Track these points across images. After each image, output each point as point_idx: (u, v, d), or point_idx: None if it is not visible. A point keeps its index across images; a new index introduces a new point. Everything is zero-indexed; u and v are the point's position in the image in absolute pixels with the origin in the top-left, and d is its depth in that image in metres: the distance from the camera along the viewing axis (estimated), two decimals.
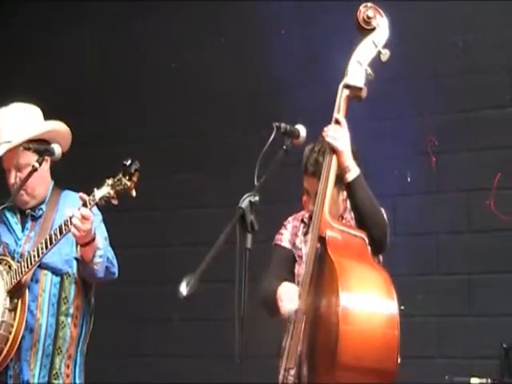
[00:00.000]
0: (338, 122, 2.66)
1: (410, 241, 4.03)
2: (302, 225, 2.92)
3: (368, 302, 2.46)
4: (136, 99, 4.87)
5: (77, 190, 2.98)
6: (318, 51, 4.25)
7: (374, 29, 2.68)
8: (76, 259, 2.94)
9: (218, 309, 3.75)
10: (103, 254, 2.90)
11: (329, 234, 2.58)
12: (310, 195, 2.81)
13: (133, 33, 4.90)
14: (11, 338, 2.85)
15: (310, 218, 2.86)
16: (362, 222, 2.68)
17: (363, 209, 2.66)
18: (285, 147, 2.48)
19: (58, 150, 2.92)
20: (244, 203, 2.22)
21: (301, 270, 2.82)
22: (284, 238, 2.92)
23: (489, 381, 3.73)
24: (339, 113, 2.67)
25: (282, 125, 2.50)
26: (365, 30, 2.69)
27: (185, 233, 4.62)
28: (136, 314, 4.66)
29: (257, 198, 2.24)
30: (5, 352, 2.85)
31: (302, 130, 2.57)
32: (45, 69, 5.01)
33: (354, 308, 2.41)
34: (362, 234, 2.63)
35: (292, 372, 2.61)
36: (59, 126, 3.06)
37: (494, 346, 3.84)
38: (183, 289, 2.02)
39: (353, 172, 2.67)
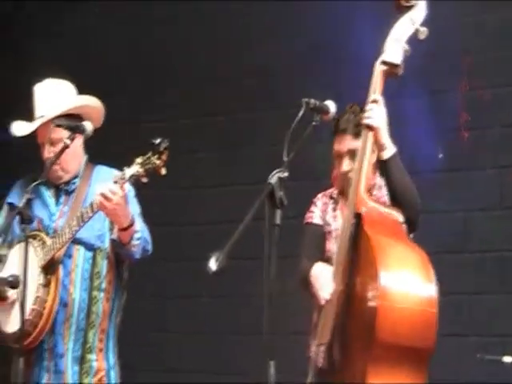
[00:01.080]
0: (374, 100, 2.63)
1: (440, 218, 3.98)
2: (332, 201, 2.90)
3: (407, 281, 2.45)
4: (161, 75, 4.84)
5: (110, 166, 3.00)
6: (347, 27, 4.19)
7: (412, 6, 2.64)
8: (113, 240, 2.95)
9: (246, 285, 3.77)
10: (141, 236, 2.90)
11: (365, 210, 2.57)
12: (342, 155, 2.79)
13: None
14: (45, 312, 2.87)
15: (340, 193, 2.85)
16: (396, 201, 2.65)
17: (398, 188, 2.64)
18: (314, 123, 2.46)
19: (89, 126, 2.91)
20: (273, 179, 2.20)
21: (331, 245, 2.82)
22: (315, 216, 2.90)
23: None
24: (376, 89, 2.64)
25: (312, 101, 2.48)
26: (403, 7, 2.65)
27: (211, 210, 4.60)
28: (164, 291, 4.68)
29: (286, 174, 2.22)
30: (40, 326, 2.87)
31: (331, 105, 2.56)
32: (76, 46, 5.02)
33: (393, 286, 2.40)
34: (397, 213, 2.61)
35: (322, 348, 2.60)
36: (92, 102, 3.06)
37: None
38: (212, 265, 2.01)
39: (389, 150, 2.65)
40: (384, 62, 2.63)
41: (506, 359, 3.66)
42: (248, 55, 4.60)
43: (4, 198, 3.16)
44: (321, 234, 2.87)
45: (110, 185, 2.75)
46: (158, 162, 2.71)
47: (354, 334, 2.51)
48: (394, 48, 2.61)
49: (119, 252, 2.96)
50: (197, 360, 4.46)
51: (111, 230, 2.97)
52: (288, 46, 4.43)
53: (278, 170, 2.23)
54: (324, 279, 2.60)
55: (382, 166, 2.68)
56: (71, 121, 2.94)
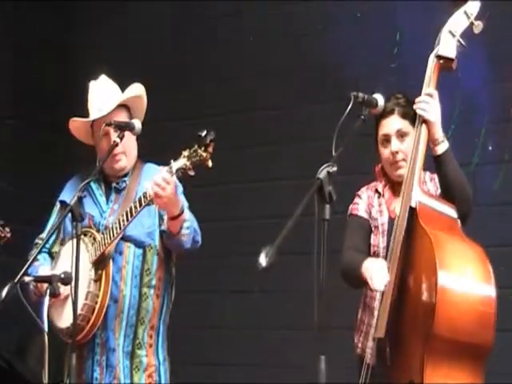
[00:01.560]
0: (429, 94, 2.62)
1: (490, 211, 3.91)
2: (376, 195, 2.87)
3: (466, 280, 2.45)
4: (210, 72, 4.84)
5: (156, 163, 3.01)
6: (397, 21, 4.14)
7: (467, 0, 2.62)
8: (162, 231, 2.95)
9: (296, 280, 3.74)
10: (190, 225, 2.90)
11: (420, 204, 2.54)
12: (389, 137, 2.76)
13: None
14: (97, 307, 2.89)
15: (386, 184, 2.82)
16: (449, 196, 2.62)
17: (452, 183, 2.62)
18: (362, 117, 2.45)
19: (138, 125, 2.94)
20: (322, 174, 2.19)
21: (377, 240, 2.79)
22: (360, 208, 2.87)
23: None
24: (430, 83, 2.62)
25: (360, 94, 2.47)
26: (458, 0, 2.62)
27: (260, 205, 4.58)
28: (214, 287, 4.66)
29: (335, 169, 2.21)
30: (92, 321, 2.89)
31: (379, 99, 2.55)
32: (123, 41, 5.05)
33: (451, 284, 2.38)
34: (452, 208, 2.59)
35: (370, 344, 2.59)
36: (142, 91, 3.10)
37: None
38: (262, 260, 2.01)
39: (443, 145, 2.62)
40: (439, 56, 2.61)
41: None
42: (301, 49, 4.57)
43: (56, 196, 3.20)
44: (366, 226, 2.84)
45: (162, 173, 2.75)
46: (204, 154, 2.70)
47: (408, 330, 2.49)
48: (449, 42, 2.59)
49: (169, 243, 2.96)
50: (248, 354, 4.45)
51: (161, 225, 2.98)
52: (339, 40, 4.38)
53: (326, 165, 2.22)
54: (379, 270, 2.57)
55: (436, 161, 2.65)
56: (120, 120, 2.97)
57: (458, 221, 2.60)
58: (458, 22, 2.61)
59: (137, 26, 5.08)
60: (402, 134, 2.75)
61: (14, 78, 5.23)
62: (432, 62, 2.62)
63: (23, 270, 2.66)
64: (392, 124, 2.75)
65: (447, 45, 2.59)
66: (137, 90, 3.11)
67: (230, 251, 4.62)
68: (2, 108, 5.16)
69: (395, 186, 2.81)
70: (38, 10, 5.19)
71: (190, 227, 2.90)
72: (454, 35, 2.59)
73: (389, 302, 2.53)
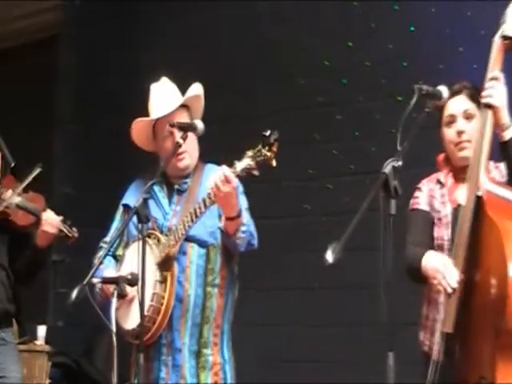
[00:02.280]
0: (494, 78, 2.52)
1: None
2: (438, 186, 2.77)
3: None
4: (269, 70, 4.83)
5: (217, 163, 3.02)
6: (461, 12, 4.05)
7: None
8: (220, 229, 2.96)
9: (360, 276, 3.69)
10: (246, 229, 2.90)
11: (487, 193, 2.46)
12: (455, 118, 2.68)
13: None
14: (163, 308, 2.91)
15: (450, 172, 2.74)
16: None
17: None
18: (427, 110, 2.40)
19: (200, 125, 2.95)
20: (387, 168, 2.15)
21: (441, 232, 2.71)
22: (421, 201, 2.79)
23: None
24: (495, 66, 2.53)
25: (424, 87, 2.41)
26: None
27: (320, 201, 4.53)
28: (277, 284, 4.64)
29: (400, 163, 2.17)
30: (158, 322, 2.91)
31: (444, 91, 2.49)
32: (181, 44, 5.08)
33: None
34: None
35: (437, 340, 2.53)
36: (200, 90, 3.13)
37: None
38: (329, 256, 1.98)
39: (510, 130, 2.53)
40: (504, 37, 2.51)
41: None
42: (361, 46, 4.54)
43: (118, 199, 3.24)
44: (428, 220, 2.74)
45: (225, 170, 2.75)
46: (268, 153, 2.69)
47: (477, 325, 2.43)
48: None
49: (225, 242, 2.97)
50: (311, 352, 4.41)
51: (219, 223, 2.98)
52: (400, 34, 4.33)
53: (391, 159, 2.18)
54: (447, 267, 2.47)
55: (503, 147, 2.56)
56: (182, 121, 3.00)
57: None
58: None
59: (197, 27, 5.09)
60: (468, 116, 2.68)
61: (76, 83, 5.31)
62: (497, 43, 2.52)
63: (91, 272, 2.70)
64: (459, 104, 2.68)
65: None
66: (197, 89, 3.13)
67: (290, 248, 4.58)
68: (65, 113, 5.26)
69: (459, 173, 2.72)
70: (99, 14, 5.27)
71: (246, 231, 2.90)
72: None
73: (456, 297, 2.45)
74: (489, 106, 2.51)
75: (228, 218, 2.85)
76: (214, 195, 2.78)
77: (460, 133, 2.67)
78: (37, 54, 5.76)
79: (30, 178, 3.60)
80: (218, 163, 3.03)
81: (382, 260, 2.05)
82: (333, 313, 4.43)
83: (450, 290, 2.45)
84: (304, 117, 4.65)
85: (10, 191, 3.59)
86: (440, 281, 2.47)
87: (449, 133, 2.71)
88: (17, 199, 3.56)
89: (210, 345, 2.99)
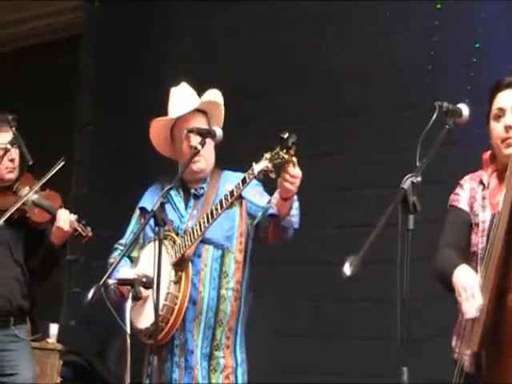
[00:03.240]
0: None
1: None
2: (481, 187, 2.66)
3: None
4: (288, 76, 4.81)
5: (234, 170, 3.04)
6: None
7: None
8: (270, 216, 2.93)
9: (378, 290, 3.67)
10: (297, 205, 2.90)
11: None
12: (504, 112, 2.57)
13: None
14: (176, 308, 2.93)
15: (495, 172, 2.62)
16: None
17: None
18: (447, 127, 2.37)
19: (219, 132, 2.97)
20: (406, 184, 2.14)
21: (477, 239, 2.60)
22: (461, 199, 2.67)
23: None
24: None
25: (445, 104, 2.39)
26: None
27: (338, 214, 4.52)
28: (291, 294, 4.61)
29: (419, 179, 2.15)
30: (171, 322, 2.93)
31: (464, 108, 2.47)
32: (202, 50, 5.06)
33: None
34: None
35: (468, 352, 2.46)
36: (218, 96, 3.14)
37: None
38: (347, 269, 1.97)
39: None
40: None
41: None
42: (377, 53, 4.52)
43: (134, 201, 3.26)
44: (466, 220, 2.62)
45: (290, 170, 2.72)
46: (286, 156, 2.69)
47: (506, 343, 2.34)
48: None
49: (278, 229, 2.92)
50: (324, 363, 4.39)
51: (254, 217, 2.99)
52: (419, 44, 4.31)
53: (410, 175, 2.17)
54: (473, 291, 2.37)
55: None
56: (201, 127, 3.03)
57: None
58: None
59: (217, 29, 5.08)
60: None
61: (94, 86, 5.33)
62: None
63: (108, 273, 2.72)
64: (509, 97, 2.57)
65: None
66: (214, 96, 3.15)
67: (309, 258, 4.55)
68: (85, 115, 5.27)
69: (504, 173, 2.52)
70: (118, 15, 5.28)
71: (297, 208, 2.90)
72: None
73: (484, 315, 2.35)
74: None
75: (285, 198, 2.82)
76: (287, 184, 2.75)
77: (508, 128, 2.56)
78: (56, 54, 5.78)
79: (53, 171, 3.64)
80: (234, 170, 3.05)
81: (398, 275, 2.04)
82: (348, 326, 4.41)
83: (469, 317, 2.39)
84: (324, 126, 4.64)
85: (27, 188, 3.64)
86: (462, 303, 2.40)
87: (496, 127, 2.60)
88: (34, 196, 3.60)
89: (222, 347, 3.00)
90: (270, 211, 2.91)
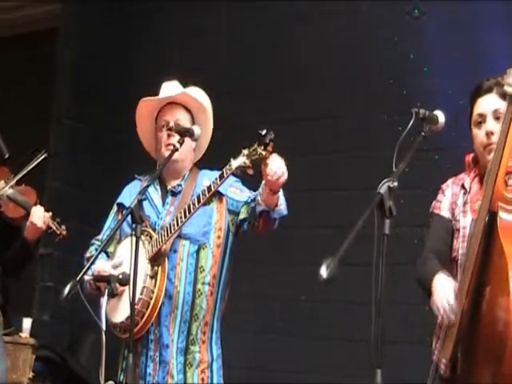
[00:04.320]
0: None
1: None
2: (462, 191, 2.65)
3: None
4: (274, 80, 4.79)
5: (211, 169, 3.05)
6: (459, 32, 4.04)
7: None
8: (262, 211, 2.92)
9: (354, 293, 3.65)
10: (282, 192, 2.90)
11: (501, 210, 2.28)
12: (485, 118, 2.55)
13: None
14: (152, 302, 2.94)
15: (477, 176, 2.60)
16: None
17: None
18: (423, 133, 2.38)
19: (197, 131, 2.99)
20: (382, 189, 2.14)
21: (458, 245, 2.60)
22: (443, 207, 2.68)
23: None
24: None
25: (421, 111, 2.41)
26: None
27: (312, 214, 4.49)
28: (267, 293, 4.59)
29: (395, 184, 2.15)
30: (146, 316, 2.94)
31: (440, 116, 2.49)
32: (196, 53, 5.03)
33: None
34: None
35: (444, 361, 2.48)
36: (200, 96, 3.16)
37: None
38: (323, 272, 1.96)
39: None
40: None
41: None
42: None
43: (112, 195, 3.27)
44: (448, 228, 2.63)
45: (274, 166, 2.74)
46: (263, 152, 2.71)
47: (480, 350, 2.32)
48: None
49: (267, 221, 2.93)
50: (300, 362, 4.39)
51: (237, 213, 3.00)
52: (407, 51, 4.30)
53: (387, 180, 2.17)
54: (449, 300, 2.39)
55: None
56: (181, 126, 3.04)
57: None
58: None
59: (199, 28, 5.04)
60: (498, 116, 2.51)
61: (75, 78, 5.28)
62: None
63: (84, 269, 2.72)
64: (489, 103, 2.54)
65: None
66: (199, 91, 3.17)
67: (282, 259, 4.55)
68: (62, 108, 5.23)
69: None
70: (100, 8, 5.23)
71: (282, 195, 2.91)
72: None
73: (457, 325, 2.36)
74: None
75: (274, 192, 2.83)
76: (271, 178, 2.76)
77: (490, 134, 2.53)
78: (35, 45, 5.71)
79: (34, 164, 3.63)
80: (211, 169, 3.06)
81: (374, 278, 2.05)
82: (323, 326, 4.40)
83: (445, 323, 2.41)
84: (304, 127, 4.62)
85: (2, 182, 3.61)
86: (440, 311, 2.42)
87: (478, 134, 2.59)
88: (9, 191, 3.58)
89: (198, 342, 3.02)
90: (259, 209, 2.92)
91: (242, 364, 4.37)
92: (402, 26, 4.35)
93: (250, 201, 3.00)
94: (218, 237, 3.06)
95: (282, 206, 2.91)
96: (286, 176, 2.77)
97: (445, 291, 2.42)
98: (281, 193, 2.89)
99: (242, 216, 3.03)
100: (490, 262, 2.31)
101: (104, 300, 2.85)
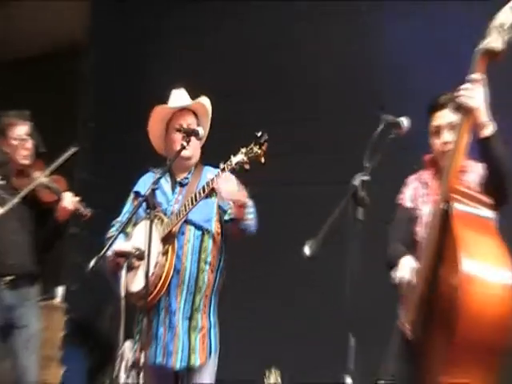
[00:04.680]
0: (472, 80, 2.34)
1: None
2: (422, 185, 2.67)
3: (487, 270, 2.20)
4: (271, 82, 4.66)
5: (213, 165, 3.04)
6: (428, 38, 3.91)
7: None
8: (229, 220, 2.95)
9: (331, 270, 3.64)
10: (253, 210, 2.92)
11: (455, 201, 2.30)
12: (441, 129, 2.56)
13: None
14: (163, 276, 2.94)
15: (435, 174, 2.61)
16: (496, 176, 2.36)
17: (499, 162, 2.34)
18: (391, 136, 2.39)
19: (201, 131, 3.00)
20: (356, 181, 2.16)
21: (419, 229, 2.61)
22: (406, 197, 2.69)
23: None
24: (475, 71, 2.35)
25: (389, 117, 2.41)
26: None
27: (301, 207, 4.40)
28: (251, 271, 4.43)
29: (367, 177, 2.17)
30: (158, 287, 2.94)
31: (405, 121, 2.48)
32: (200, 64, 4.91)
33: (473, 274, 2.16)
34: (489, 201, 2.33)
35: (408, 326, 2.47)
36: (206, 101, 3.15)
37: None
38: (307, 250, 2.00)
39: (489, 128, 2.35)
40: (485, 49, 2.34)
41: None
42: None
43: (128, 186, 3.24)
44: (410, 217, 2.63)
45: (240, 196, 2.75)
46: (259, 151, 2.73)
47: (438, 318, 2.32)
48: (495, 35, 2.33)
49: (236, 230, 2.95)
50: (281, 327, 4.26)
51: (224, 212, 3.00)
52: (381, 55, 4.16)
53: (360, 174, 2.19)
54: (403, 267, 2.43)
55: (482, 145, 2.37)
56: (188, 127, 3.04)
57: (493, 220, 2.34)
58: (504, 17, 2.32)
59: (211, 43, 4.90)
60: (452, 127, 2.51)
61: (95, 90, 5.29)
62: (479, 53, 2.34)
63: (107, 246, 2.74)
64: (444, 117, 2.56)
65: (494, 38, 2.32)
66: (205, 100, 3.17)
67: (269, 246, 4.36)
68: (86, 113, 5.24)
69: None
70: (119, 29, 5.21)
71: (253, 212, 2.92)
72: (499, 28, 2.30)
73: (417, 295, 2.38)
74: (466, 108, 2.34)
75: (240, 206, 2.84)
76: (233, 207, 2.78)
77: (445, 144, 2.56)
78: (63, 62, 5.72)
79: (65, 157, 3.65)
80: (214, 166, 3.03)
81: (349, 257, 2.06)
82: (307, 298, 4.30)
83: (406, 292, 2.41)
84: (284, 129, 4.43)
85: (39, 173, 3.65)
86: (399, 282, 2.44)
87: (435, 142, 2.61)
88: (44, 179, 3.62)
89: (200, 311, 3.01)
90: (227, 217, 2.96)
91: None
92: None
93: (227, 209, 2.99)
94: (218, 226, 3.05)
95: (250, 222, 2.91)
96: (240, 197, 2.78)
97: (403, 268, 2.44)
98: (251, 210, 2.88)
99: (226, 217, 3.02)
100: (445, 244, 2.32)
101: (123, 272, 2.87)
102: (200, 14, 4.96)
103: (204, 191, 2.90)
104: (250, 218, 2.91)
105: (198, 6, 4.92)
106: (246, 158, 2.76)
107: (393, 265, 2.53)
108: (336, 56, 4.38)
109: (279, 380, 3.56)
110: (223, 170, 2.86)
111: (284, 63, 4.57)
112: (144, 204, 2.79)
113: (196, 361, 2.95)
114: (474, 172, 2.55)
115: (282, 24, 4.62)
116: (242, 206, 2.85)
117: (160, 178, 2.88)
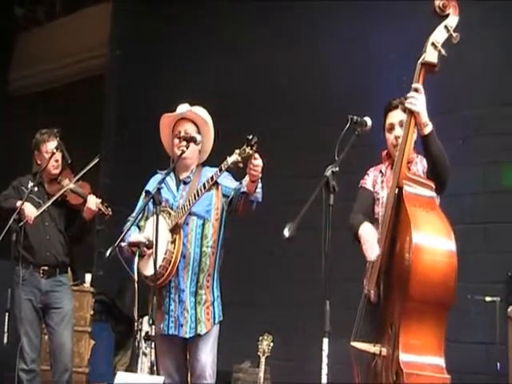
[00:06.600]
0: (416, 89, 2.39)
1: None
2: (380, 174, 2.70)
3: (434, 239, 2.26)
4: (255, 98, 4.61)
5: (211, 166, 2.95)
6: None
7: (447, 15, 2.35)
8: (242, 193, 2.88)
9: (308, 247, 3.57)
10: (261, 185, 2.85)
11: (405, 184, 2.35)
12: (394, 126, 2.60)
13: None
14: (172, 260, 2.87)
15: (389, 165, 2.64)
16: (434, 168, 2.43)
17: (437, 156, 2.41)
18: (356, 133, 2.35)
19: (199, 138, 2.93)
20: (328, 172, 2.12)
21: (378, 209, 2.65)
22: (367, 182, 2.71)
23: (498, 299, 3.42)
24: (417, 81, 2.39)
25: (355, 117, 2.36)
26: (440, 16, 2.35)
27: (283, 196, 4.31)
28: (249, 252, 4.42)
29: (337, 169, 2.13)
30: (169, 270, 2.88)
31: (368, 120, 2.43)
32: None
33: (423, 242, 2.22)
34: (431, 189, 2.37)
35: (372, 292, 2.46)
36: (203, 114, 3.07)
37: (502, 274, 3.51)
38: (286, 232, 1.95)
39: (428, 127, 2.41)
40: (424, 62, 2.35)
41: (488, 299, 3.41)
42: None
43: (142, 187, 3.15)
44: (371, 196, 2.67)
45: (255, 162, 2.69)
46: (250, 152, 2.69)
47: (394, 282, 2.34)
48: (432, 50, 2.33)
49: (246, 202, 2.88)
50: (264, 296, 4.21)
51: (228, 196, 2.95)
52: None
53: (331, 166, 2.14)
54: (371, 242, 2.40)
55: (424, 141, 2.43)
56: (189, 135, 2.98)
57: (436, 199, 2.40)
58: (439, 34, 2.33)
59: (216, 68, 4.84)
60: (402, 124, 2.53)
61: (117, 110, 5.29)
62: (419, 65, 2.37)
63: (120, 237, 2.71)
64: (396, 116, 2.60)
65: (430, 52, 2.33)
66: (201, 110, 3.09)
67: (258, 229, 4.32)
68: (109, 129, 5.24)
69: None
70: (135, 60, 5.17)
71: (261, 187, 2.87)
72: (436, 44, 2.32)
73: (378, 264, 2.38)
74: (412, 111, 2.40)
75: (253, 181, 2.79)
76: (253, 171, 2.72)
77: (397, 138, 2.59)
78: (90, 88, 5.71)
79: (90, 165, 3.65)
80: (212, 166, 2.94)
81: (323, 236, 2.01)
82: (290, 271, 4.28)
83: (369, 260, 2.42)
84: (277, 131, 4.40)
85: (67, 180, 3.66)
86: (365, 251, 2.42)
87: (389, 137, 2.64)
88: (72, 186, 3.63)
89: (204, 287, 2.95)
90: (242, 189, 2.89)
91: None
92: None
93: (237, 188, 2.95)
94: (216, 214, 2.99)
95: (259, 194, 2.88)
96: (260, 170, 2.72)
97: (369, 239, 2.43)
98: (260, 185, 2.84)
99: (231, 197, 2.98)
100: (399, 221, 2.36)
101: (136, 259, 2.82)
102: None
103: (204, 188, 2.85)
104: (259, 191, 2.87)
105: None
106: (239, 158, 2.71)
107: (354, 229, 2.53)
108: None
109: (271, 344, 3.47)
110: (220, 169, 2.80)
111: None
112: (152, 201, 2.72)
113: (202, 330, 2.89)
114: (420, 163, 2.60)
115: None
116: (254, 181, 2.79)
117: (164, 178, 2.84)
